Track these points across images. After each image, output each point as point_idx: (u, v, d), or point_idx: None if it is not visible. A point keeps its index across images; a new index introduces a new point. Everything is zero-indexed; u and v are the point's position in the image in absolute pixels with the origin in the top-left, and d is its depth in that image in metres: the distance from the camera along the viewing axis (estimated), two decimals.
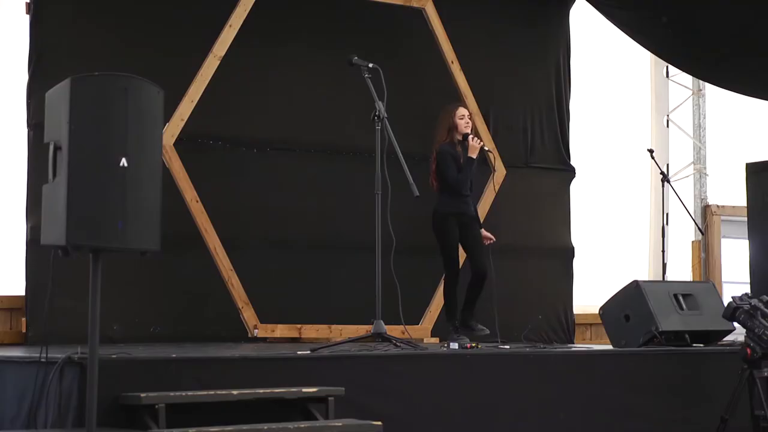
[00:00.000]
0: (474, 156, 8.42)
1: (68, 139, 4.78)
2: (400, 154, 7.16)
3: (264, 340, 8.97)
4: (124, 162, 4.89)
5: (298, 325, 9.13)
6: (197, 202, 8.80)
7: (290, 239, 9.33)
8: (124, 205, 4.89)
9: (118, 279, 7.60)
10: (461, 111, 8.63)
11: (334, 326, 9.22)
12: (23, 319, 8.25)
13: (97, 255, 4.95)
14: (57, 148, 4.83)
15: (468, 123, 8.55)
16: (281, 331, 9.07)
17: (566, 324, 10.59)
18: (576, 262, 10.72)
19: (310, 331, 9.15)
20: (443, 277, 8.64)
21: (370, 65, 7.45)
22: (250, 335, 8.94)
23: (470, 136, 8.45)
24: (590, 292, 10.81)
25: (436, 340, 9.44)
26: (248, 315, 8.95)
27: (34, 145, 8.33)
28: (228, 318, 8.93)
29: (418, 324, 9.51)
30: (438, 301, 9.76)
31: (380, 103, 7.24)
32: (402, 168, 7.26)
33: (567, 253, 10.70)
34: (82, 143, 4.80)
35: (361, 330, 8.91)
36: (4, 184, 8.57)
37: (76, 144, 4.79)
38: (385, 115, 7.22)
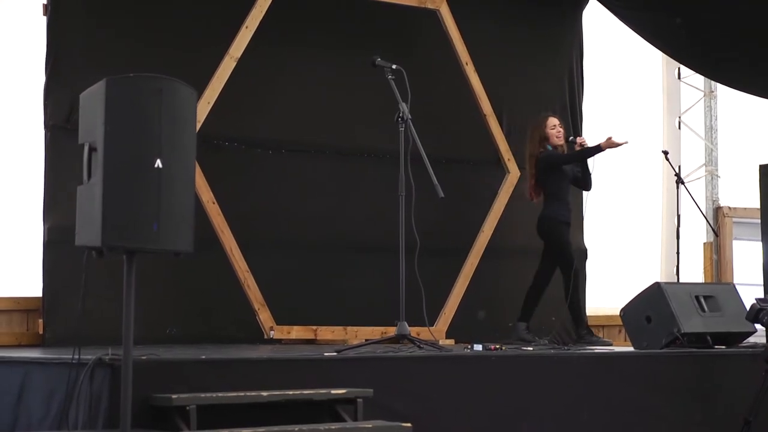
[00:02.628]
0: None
1: (104, 141, 4.77)
2: (425, 156, 7.17)
3: (279, 341, 8.97)
4: (158, 163, 4.87)
5: (314, 327, 9.12)
6: (213, 203, 8.79)
7: (306, 240, 9.32)
8: (158, 206, 4.88)
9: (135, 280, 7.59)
10: (551, 121, 8.89)
11: (349, 328, 9.21)
12: (40, 321, 8.22)
13: (132, 256, 4.94)
14: (92, 150, 4.81)
15: (560, 132, 8.81)
16: (297, 332, 9.06)
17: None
18: (588, 264, 10.70)
19: (326, 332, 9.14)
20: (534, 278, 9.11)
21: (394, 66, 7.46)
22: (266, 336, 8.92)
23: (577, 138, 8.84)
24: (603, 294, 10.81)
25: (452, 341, 9.43)
26: (264, 316, 8.94)
27: (51, 146, 8.33)
28: (244, 319, 8.92)
29: (433, 326, 9.49)
30: (453, 303, 9.78)
31: (404, 104, 7.25)
32: (423, 170, 7.29)
33: (580, 254, 10.66)
34: (118, 144, 4.79)
35: (377, 331, 8.95)
36: (20, 185, 8.54)
37: (112, 145, 4.77)
38: (409, 116, 7.22)
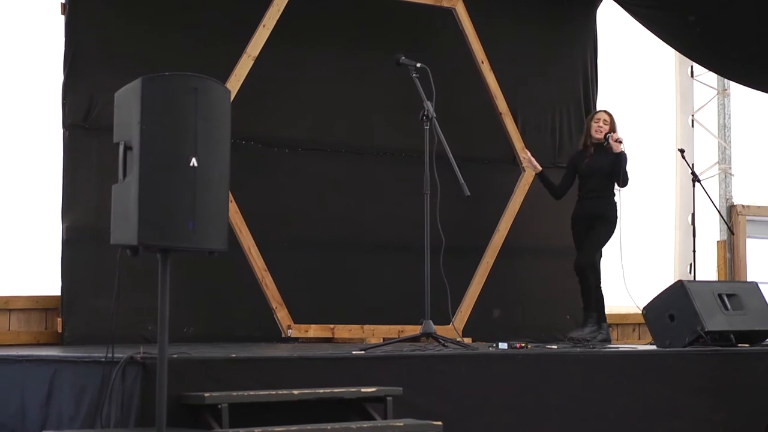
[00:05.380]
0: (617, 150, 8.90)
1: (139, 139, 4.76)
2: (451, 155, 7.17)
3: (296, 340, 8.96)
4: (194, 162, 4.87)
5: (331, 326, 9.11)
6: (231, 202, 8.77)
7: (323, 239, 9.32)
8: (194, 204, 4.88)
9: (152, 280, 7.56)
10: (598, 115, 9.08)
11: (366, 326, 9.21)
12: (58, 319, 8.22)
13: (167, 255, 4.93)
14: (127, 148, 4.80)
15: (600, 128, 8.91)
16: (314, 331, 9.04)
17: None
18: (602, 262, 10.68)
19: (343, 331, 9.14)
20: None
21: (418, 65, 7.45)
22: (283, 335, 8.91)
23: (612, 135, 8.88)
24: (616, 292, 10.79)
25: (469, 340, 9.41)
26: (282, 315, 8.93)
27: (69, 146, 8.34)
28: (261, 318, 8.91)
29: (448, 324, 9.49)
30: (469, 302, 9.77)
31: (429, 103, 7.23)
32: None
33: None
34: (153, 143, 4.77)
35: (394, 330, 8.97)
36: (39, 184, 8.53)
37: (148, 144, 4.76)
38: (434, 115, 7.21)
